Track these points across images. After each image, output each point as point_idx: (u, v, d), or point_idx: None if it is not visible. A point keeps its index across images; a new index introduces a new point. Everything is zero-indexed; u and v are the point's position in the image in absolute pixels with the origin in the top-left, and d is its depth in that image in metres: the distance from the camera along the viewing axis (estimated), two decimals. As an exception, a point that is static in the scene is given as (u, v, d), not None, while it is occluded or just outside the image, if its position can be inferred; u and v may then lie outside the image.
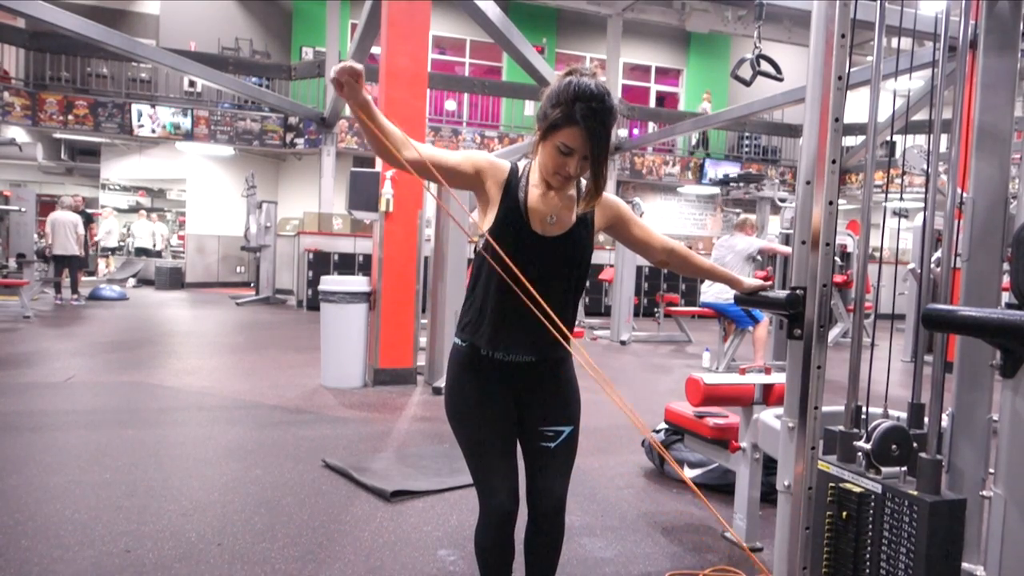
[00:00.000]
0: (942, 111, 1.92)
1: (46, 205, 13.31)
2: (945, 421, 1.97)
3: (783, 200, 8.94)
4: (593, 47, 16.76)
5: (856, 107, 7.20)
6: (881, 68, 1.83)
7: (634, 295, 9.86)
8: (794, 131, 16.71)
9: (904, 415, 1.91)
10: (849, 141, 15.76)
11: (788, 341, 1.90)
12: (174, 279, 15.02)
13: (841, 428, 1.70)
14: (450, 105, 15.99)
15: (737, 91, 15.40)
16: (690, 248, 2.07)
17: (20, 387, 5.28)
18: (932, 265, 2.15)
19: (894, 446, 1.55)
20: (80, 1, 13.99)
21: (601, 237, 1.88)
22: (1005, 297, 1.68)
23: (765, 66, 3.39)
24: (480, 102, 16.11)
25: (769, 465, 2.88)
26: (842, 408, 1.79)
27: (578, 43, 16.93)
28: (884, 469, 1.55)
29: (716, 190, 15.83)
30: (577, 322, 1.94)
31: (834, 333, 9.36)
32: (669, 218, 17.05)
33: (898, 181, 10.92)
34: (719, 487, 3.55)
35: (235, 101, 14.39)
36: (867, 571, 1.55)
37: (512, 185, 1.73)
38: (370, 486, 3.40)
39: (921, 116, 10.24)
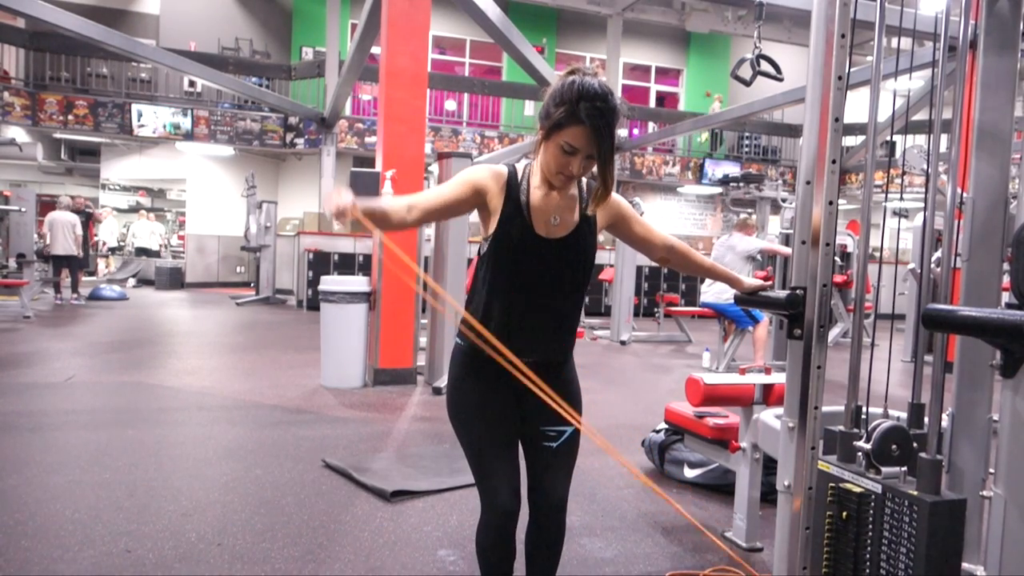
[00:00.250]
0: (942, 111, 1.92)
1: (46, 205, 13.30)
2: (945, 421, 1.97)
3: (784, 200, 8.94)
4: (593, 47, 16.76)
5: (856, 107, 7.20)
6: (881, 68, 1.83)
7: (634, 295, 9.86)
8: (794, 131, 16.71)
9: (904, 415, 1.90)
10: (849, 141, 15.75)
11: (788, 341, 1.90)
12: (174, 279, 15.01)
13: (841, 428, 1.70)
14: (450, 105, 15.98)
15: (737, 91, 15.40)
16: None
17: (20, 387, 5.28)
18: (932, 265, 2.15)
19: (894, 446, 1.55)
20: (80, 1, 13.99)
21: (601, 237, 1.88)
22: (1005, 297, 1.68)
23: (765, 66, 3.39)
24: (480, 102, 16.10)
25: (769, 465, 2.88)
26: (842, 408, 1.79)
27: (578, 43, 16.93)
28: (884, 469, 1.55)
29: (716, 190, 15.84)
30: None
31: (834, 333, 9.37)
32: (669, 218, 17.05)
33: (898, 181, 10.92)
34: (719, 487, 3.55)
35: (235, 101, 14.39)
36: (867, 571, 1.55)
37: (513, 188, 1.73)
38: (370, 486, 3.40)
39: (921, 116, 10.24)
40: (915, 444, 1.58)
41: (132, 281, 15.28)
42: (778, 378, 2.88)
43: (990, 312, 1.49)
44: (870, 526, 1.54)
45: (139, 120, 13.53)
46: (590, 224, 1.79)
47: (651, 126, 16.44)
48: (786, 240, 8.21)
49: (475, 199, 1.73)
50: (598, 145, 1.60)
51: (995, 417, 1.90)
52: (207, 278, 15.66)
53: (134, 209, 18.52)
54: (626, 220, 1.87)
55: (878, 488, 1.53)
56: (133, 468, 3.56)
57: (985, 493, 1.86)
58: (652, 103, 17.99)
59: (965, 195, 2.01)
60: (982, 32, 2.03)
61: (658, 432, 3.91)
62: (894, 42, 1.99)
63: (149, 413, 4.72)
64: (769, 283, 2.65)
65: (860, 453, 1.59)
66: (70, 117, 13.29)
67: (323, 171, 14.03)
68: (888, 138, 11.64)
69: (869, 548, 1.54)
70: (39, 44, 13.17)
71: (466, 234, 5.88)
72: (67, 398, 5.03)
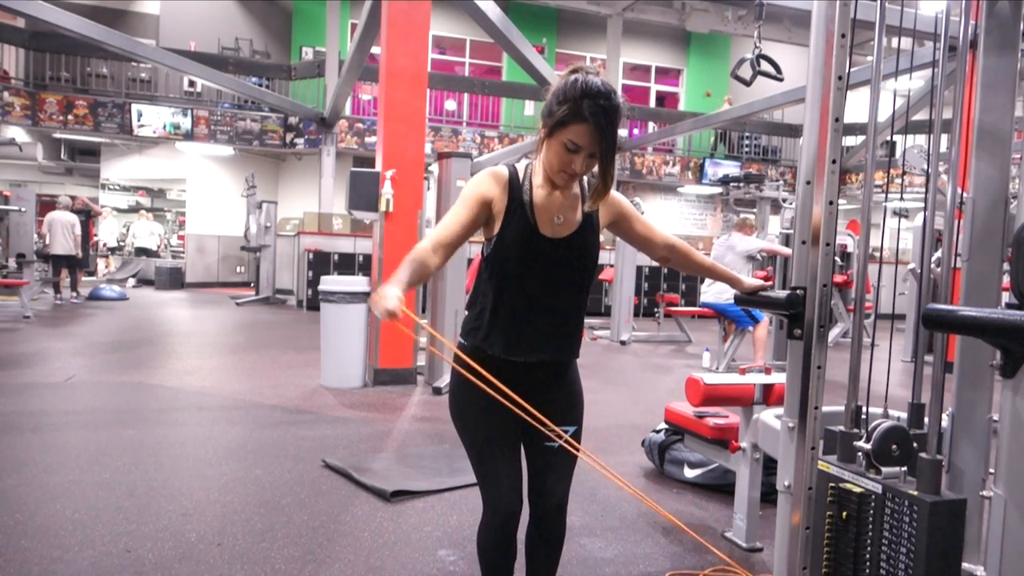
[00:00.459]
0: (942, 111, 1.92)
1: (46, 205, 13.31)
2: (945, 421, 1.97)
3: (784, 200, 8.93)
4: (593, 47, 16.76)
5: (856, 107, 7.20)
6: (881, 68, 1.82)
7: (634, 295, 9.86)
8: (794, 131, 16.71)
9: (904, 415, 1.90)
10: (849, 141, 15.75)
11: (788, 341, 1.90)
12: (174, 279, 15.01)
13: (841, 428, 1.70)
14: (450, 105, 15.98)
15: (737, 91, 15.41)
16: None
17: (20, 387, 5.28)
18: (932, 265, 2.15)
19: (894, 446, 1.55)
20: (80, 1, 13.98)
21: (601, 237, 1.88)
22: (1005, 297, 1.68)
23: (765, 66, 3.39)
24: (480, 102, 16.10)
25: (769, 465, 2.88)
26: (842, 408, 1.79)
27: (578, 43, 16.93)
28: (884, 469, 1.54)
29: (716, 190, 15.83)
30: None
31: (834, 333, 9.36)
32: (669, 218, 17.05)
33: (898, 181, 10.92)
34: (719, 487, 3.55)
35: (235, 101, 14.39)
36: (867, 571, 1.55)
37: (515, 188, 1.72)
38: (370, 486, 3.40)
39: (921, 116, 10.24)
40: (915, 444, 1.58)
41: (132, 281, 15.28)
42: (778, 378, 2.88)
43: (990, 312, 1.49)
44: (870, 526, 1.54)
45: (139, 120, 13.53)
46: (593, 223, 1.79)
47: (651, 126, 16.44)
48: (786, 240, 8.21)
49: (487, 210, 1.72)
50: (601, 143, 1.61)
51: (995, 417, 1.90)
52: (207, 278, 15.66)
53: (134, 209, 18.52)
54: (627, 218, 1.88)
55: (878, 488, 1.53)
56: (133, 468, 3.56)
57: (985, 493, 1.85)
58: (652, 103, 17.99)
59: (965, 195, 2.01)
60: (982, 32, 2.03)
61: (658, 432, 3.90)
62: (894, 42, 1.99)
63: (149, 413, 4.72)
64: (769, 283, 2.65)
65: (860, 453, 1.59)
66: (70, 117, 13.29)
67: (323, 171, 14.03)
68: (888, 138, 11.64)
69: (869, 548, 1.54)
70: (39, 44, 13.17)
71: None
72: (67, 398, 5.03)
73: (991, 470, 1.73)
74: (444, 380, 5.73)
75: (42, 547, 2.63)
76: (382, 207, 5.80)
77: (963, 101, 1.89)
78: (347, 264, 11.90)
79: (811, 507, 1.77)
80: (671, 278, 13.17)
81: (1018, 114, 2.16)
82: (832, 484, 1.63)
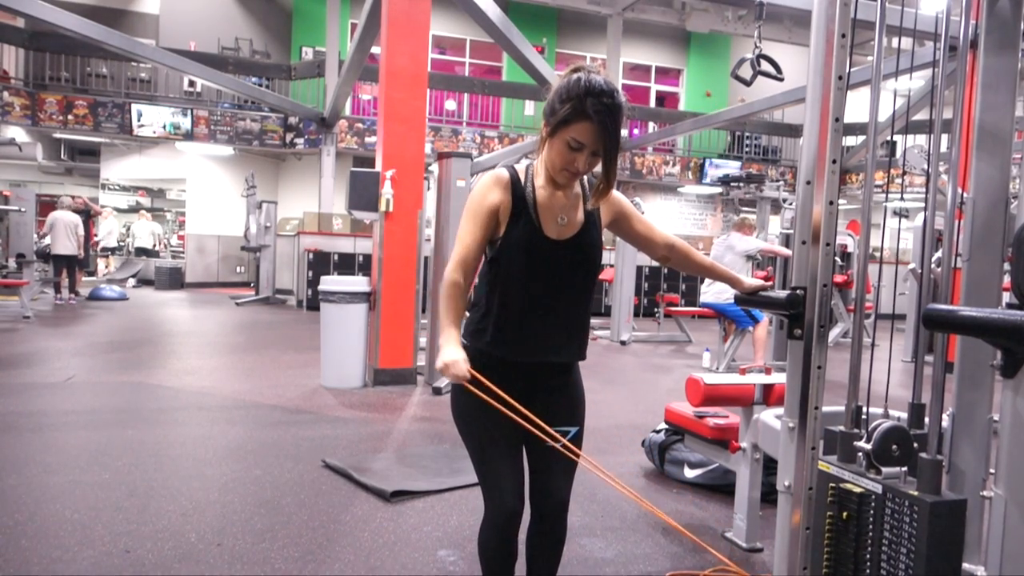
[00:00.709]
0: (942, 111, 1.92)
1: (46, 205, 13.31)
2: (946, 421, 1.97)
3: (785, 200, 8.93)
4: (593, 47, 16.76)
5: (856, 107, 7.20)
6: (881, 68, 1.82)
7: (634, 295, 9.86)
8: (794, 131, 16.71)
9: (904, 415, 1.90)
10: (849, 141, 15.75)
11: (788, 341, 1.89)
12: (174, 279, 15.01)
13: (841, 428, 1.70)
14: (450, 105, 15.98)
15: (737, 91, 15.41)
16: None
17: (20, 387, 5.28)
18: (933, 265, 2.15)
19: (894, 446, 1.55)
20: (80, 1, 13.98)
21: (603, 236, 1.88)
22: (1006, 297, 1.68)
23: (765, 66, 3.38)
24: (480, 102, 16.10)
25: (769, 465, 2.88)
26: (842, 408, 1.79)
27: (578, 43, 16.93)
28: (884, 469, 1.54)
29: (716, 190, 15.83)
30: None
31: (834, 333, 9.36)
32: (669, 218, 17.05)
33: (898, 181, 10.92)
34: (719, 487, 3.55)
35: (235, 101, 14.39)
36: (867, 572, 1.55)
37: (518, 190, 1.72)
38: (370, 486, 3.40)
39: (922, 116, 10.23)
40: (915, 444, 1.58)
41: (132, 281, 15.28)
42: (778, 378, 2.88)
43: (991, 312, 1.49)
44: (870, 526, 1.54)
45: (139, 120, 13.53)
46: (595, 222, 1.79)
47: (651, 126, 16.44)
48: (786, 240, 8.21)
49: (496, 218, 1.73)
50: (605, 140, 1.61)
51: (995, 417, 1.90)
52: (207, 278, 15.66)
53: (134, 209, 18.52)
54: (627, 217, 1.88)
55: (878, 488, 1.53)
56: (133, 468, 3.56)
57: (985, 493, 1.85)
58: (652, 103, 17.99)
59: (965, 195, 2.01)
60: (983, 32, 2.03)
61: (658, 432, 3.90)
62: (894, 42, 1.99)
63: (149, 413, 4.72)
64: (769, 283, 2.65)
65: (860, 453, 1.59)
66: (70, 117, 13.29)
67: (323, 171, 14.03)
68: (888, 138, 11.64)
69: (869, 548, 1.54)
70: (39, 44, 13.17)
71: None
72: (67, 398, 5.03)
73: (991, 470, 1.73)
74: (444, 380, 5.73)
75: (42, 547, 2.63)
76: (382, 207, 5.80)
77: (963, 101, 1.89)
78: (347, 264, 11.90)
79: (811, 507, 1.77)
80: (671, 278, 13.17)
81: (1018, 114, 2.16)
82: (832, 484, 1.62)
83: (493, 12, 7.62)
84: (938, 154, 1.95)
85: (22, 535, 2.72)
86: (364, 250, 12.10)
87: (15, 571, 2.44)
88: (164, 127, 13.72)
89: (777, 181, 11.50)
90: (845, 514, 1.58)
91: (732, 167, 15.91)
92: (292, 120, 14.13)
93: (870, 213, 2.18)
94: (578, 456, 1.79)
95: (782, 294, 1.87)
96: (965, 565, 1.71)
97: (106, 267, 17.12)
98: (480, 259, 1.73)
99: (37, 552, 2.58)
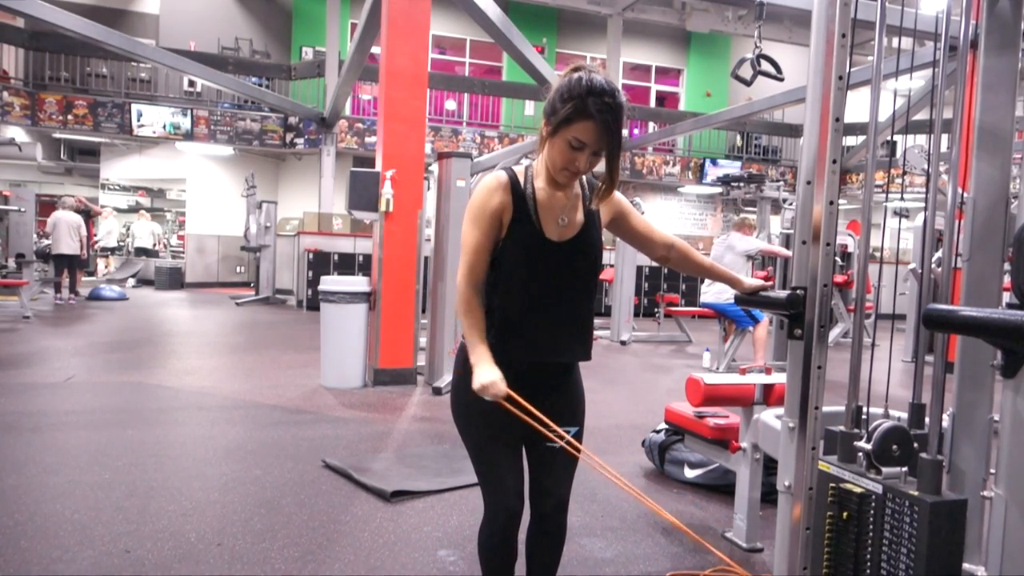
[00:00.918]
0: (943, 111, 1.92)
1: (46, 205, 13.32)
2: (946, 421, 1.96)
3: (785, 200, 8.93)
4: (593, 47, 16.76)
5: (856, 107, 7.20)
6: (882, 68, 1.82)
7: (634, 295, 9.86)
8: (794, 131, 16.71)
9: (905, 415, 1.90)
10: (849, 141, 15.75)
11: (788, 341, 1.89)
12: (174, 279, 15.01)
13: (842, 428, 1.70)
14: (450, 105, 15.98)
15: (738, 91, 15.40)
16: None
17: (20, 387, 5.28)
18: (933, 265, 2.15)
19: (895, 446, 1.55)
20: (80, 1, 13.98)
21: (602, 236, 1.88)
22: (1006, 297, 1.68)
23: (765, 66, 3.38)
24: (480, 102, 16.11)
25: (769, 465, 2.88)
26: (842, 408, 1.79)
27: (578, 43, 16.93)
28: (885, 469, 1.54)
29: (716, 190, 15.84)
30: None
31: (834, 333, 9.36)
32: (669, 218, 17.05)
33: (899, 181, 10.92)
34: (719, 487, 3.55)
35: (235, 101, 14.39)
36: (868, 572, 1.55)
37: (518, 192, 1.71)
38: (370, 486, 3.40)
39: (922, 116, 10.24)
40: (916, 444, 1.58)
41: (132, 281, 15.28)
42: (778, 378, 2.88)
43: (991, 312, 1.49)
44: (871, 527, 1.54)
45: (139, 120, 13.53)
46: (595, 222, 1.79)
47: (651, 126, 16.44)
48: (786, 240, 8.21)
49: (501, 218, 1.72)
50: (607, 140, 1.61)
51: (996, 417, 1.90)
52: (207, 278, 15.66)
53: (134, 209, 18.52)
54: (626, 216, 1.88)
55: (879, 488, 1.52)
56: (133, 468, 3.56)
57: (986, 493, 1.85)
58: (652, 103, 17.99)
59: (966, 195, 2.01)
60: (983, 32, 2.03)
61: (658, 432, 3.90)
62: (894, 42, 1.99)
63: (149, 413, 4.72)
64: (769, 283, 2.65)
65: (861, 453, 1.59)
66: (70, 117, 13.29)
67: (323, 171, 14.03)
68: (889, 138, 11.64)
69: (870, 549, 1.54)
70: (39, 44, 13.17)
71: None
72: (67, 398, 5.03)
73: (992, 470, 1.73)
74: (444, 380, 5.73)
75: (42, 547, 2.62)
76: (382, 207, 5.80)
77: (964, 101, 1.89)
78: (347, 264, 11.90)
79: (811, 507, 1.77)
80: (671, 278, 13.17)
81: (1018, 114, 2.16)
82: (833, 484, 1.62)
83: (493, 12, 7.62)
84: (938, 154, 1.95)
85: (22, 535, 2.72)
86: (364, 250, 12.09)
87: (15, 571, 2.44)
88: (164, 127, 13.72)
89: (777, 181, 11.50)
90: (845, 514, 1.58)
91: (727, 166, 15.92)
92: (292, 120, 14.13)
93: (870, 213, 2.18)
94: (588, 456, 1.79)
95: (782, 294, 1.87)
96: (965, 565, 1.71)
97: (106, 267, 17.13)
98: (487, 265, 1.73)
99: (37, 552, 2.58)
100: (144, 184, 18.45)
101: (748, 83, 3.44)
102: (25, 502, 3.05)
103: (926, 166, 2.12)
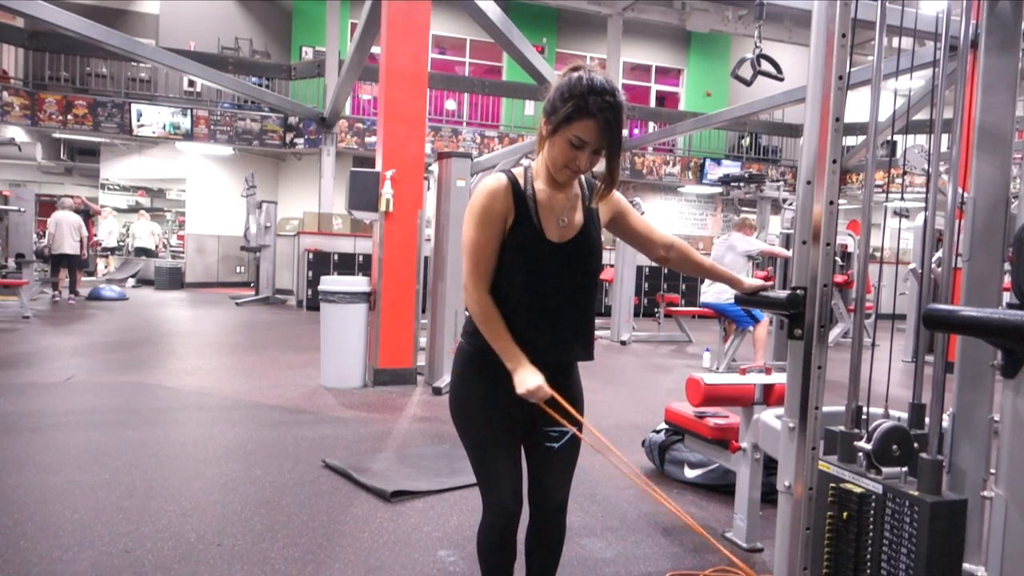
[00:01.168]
0: (943, 111, 1.92)
1: (45, 205, 13.32)
2: (946, 421, 1.96)
3: (785, 200, 8.93)
4: (593, 47, 16.76)
5: (857, 107, 7.20)
6: (882, 68, 1.82)
7: (634, 295, 9.86)
8: (794, 131, 16.71)
9: (905, 415, 1.90)
10: (850, 141, 15.75)
11: (788, 341, 1.89)
12: (174, 279, 15.01)
13: (842, 428, 1.69)
14: (450, 105, 15.98)
15: (737, 91, 15.40)
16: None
17: (20, 387, 5.28)
18: (933, 265, 2.15)
19: (895, 446, 1.55)
20: (80, 1, 13.98)
21: (602, 235, 1.88)
22: (1006, 297, 1.68)
23: (766, 66, 3.38)
24: (480, 102, 16.11)
25: (769, 465, 2.88)
26: (843, 408, 1.79)
27: (578, 43, 16.93)
28: (885, 469, 1.54)
29: (716, 190, 15.84)
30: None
31: (835, 333, 9.36)
32: (669, 218, 17.05)
33: (899, 181, 10.92)
34: (720, 487, 3.55)
35: (235, 101, 14.39)
36: (868, 572, 1.55)
37: (519, 194, 1.71)
38: (370, 486, 3.39)
39: (922, 116, 10.24)
40: (916, 444, 1.58)
41: (131, 281, 15.28)
42: (778, 378, 2.88)
43: (991, 312, 1.49)
44: (871, 527, 1.54)
45: (139, 120, 13.53)
46: (595, 222, 1.79)
47: (651, 126, 16.44)
48: (787, 240, 8.21)
49: (505, 219, 1.72)
50: (608, 138, 1.61)
51: (996, 417, 1.90)
52: (207, 278, 15.66)
53: (134, 209, 18.52)
54: (625, 216, 1.88)
55: (879, 488, 1.52)
56: (133, 468, 3.56)
57: (986, 493, 1.85)
58: (652, 103, 17.99)
59: (966, 195, 2.01)
60: (983, 32, 2.03)
61: (658, 432, 3.90)
62: (895, 42, 1.99)
63: (149, 413, 4.72)
64: (769, 283, 2.65)
65: (861, 453, 1.59)
66: (69, 117, 13.28)
67: (323, 171, 14.03)
68: (889, 138, 11.64)
69: (870, 549, 1.54)
70: (38, 44, 13.17)
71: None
72: (67, 398, 5.03)
73: (992, 470, 1.72)
74: (444, 380, 5.73)
75: (42, 547, 2.62)
76: (382, 207, 5.80)
77: (964, 101, 1.88)
78: (347, 264, 11.90)
79: (812, 507, 1.77)
80: (671, 278, 13.17)
81: (1019, 114, 2.16)
82: (833, 484, 1.62)
83: (493, 12, 7.63)
84: (938, 154, 1.95)
85: (22, 535, 2.72)
86: (364, 250, 12.09)
87: (15, 571, 2.44)
88: (164, 127, 13.72)
89: (777, 181, 11.50)
90: (845, 514, 1.58)
91: (727, 165, 15.92)
92: (292, 120, 14.13)
93: (870, 213, 2.18)
94: (606, 449, 1.79)
95: (782, 294, 1.87)
96: (965, 565, 1.71)
97: (106, 267, 17.13)
98: (495, 266, 1.72)
99: (37, 552, 2.58)
100: (144, 184, 18.45)
101: (748, 83, 3.44)
102: (25, 502, 3.05)
103: (926, 166, 2.12)
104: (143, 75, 14.32)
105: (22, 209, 9.98)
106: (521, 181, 1.73)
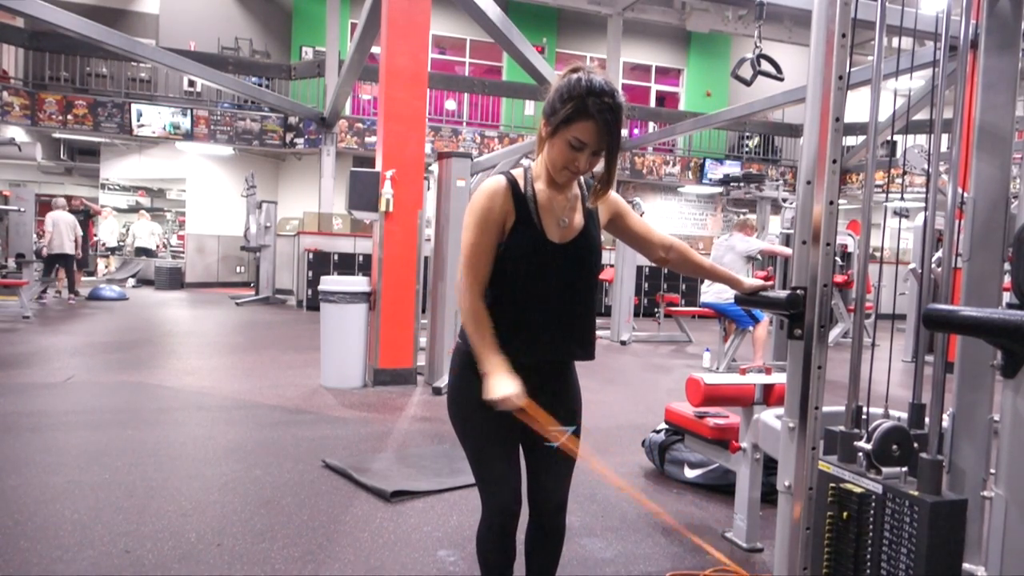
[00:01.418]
0: (943, 111, 1.92)
1: (45, 205, 13.31)
2: (946, 421, 1.96)
3: (785, 200, 8.93)
4: (593, 47, 16.76)
5: (856, 107, 7.20)
6: (882, 68, 1.82)
7: (634, 295, 9.85)
8: (794, 131, 16.71)
9: (905, 415, 1.90)
10: (850, 141, 15.75)
11: (788, 341, 1.89)
12: (174, 279, 15.01)
13: (842, 428, 1.69)
14: (450, 105, 15.98)
15: (738, 91, 15.40)
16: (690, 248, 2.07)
17: (20, 387, 5.28)
18: (933, 265, 2.15)
19: (895, 446, 1.55)
20: (80, 1, 13.98)
21: (602, 235, 1.88)
22: (1006, 297, 1.68)
23: (766, 66, 3.38)
24: (480, 102, 16.10)
25: (769, 465, 2.88)
26: (842, 408, 1.79)
27: (578, 43, 16.93)
28: (885, 469, 1.54)
29: (716, 190, 15.84)
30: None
31: (834, 333, 9.36)
32: (669, 218, 17.05)
33: (899, 181, 10.92)
34: (719, 487, 3.55)
35: (235, 101, 14.39)
36: (868, 572, 1.55)
37: (519, 196, 1.71)
38: (370, 486, 3.39)
39: (922, 116, 10.24)
40: (916, 444, 1.58)
41: (132, 281, 15.28)
42: (778, 378, 2.88)
43: (991, 312, 1.49)
44: (871, 526, 1.54)
45: (139, 120, 13.52)
46: (595, 222, 1.80)
47: (651, 126, 16.43)
48: (786, 240, 8.21)
49: (504, 221, 1.71)
50: (607, 140, 1.62)
51: (996, 417, 1.90)
52: (207, 278, 15.65)
53: (134, 209, 18.52)
54: (624, 217, 1.88)
55: (879, 488, 1.52)
56: (133, 468, 3.56)
57: (986, 493, 1.85)
58: (652, 103, 17.99)
59: (966, 195, 2.01)
60: (983, 32, 2.03)
61: (658, 432, 3.90)
62: (895, 42, 1.99)
63: (149, 413, 4.72)
64: (769, 283, 2.65)
65: (861, 453, 1.59)
66: (69, 117, 13.28)
67: (323, 171, 14.03)
68: (889, 138, 11.64)
69: (870, 549, 1.54)
70: (38, 44, 13.17)
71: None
72: (67, 398, 5.03)
73: (992, 470, 1.72)
74: (444, 380, 5.71)
75: (42, 547, 2.62)
76: (382, 207, 5.80)
77: (964, 101, 1.89)
78: (347, 264, 11.90)
79: (812, 507, 1.77)
80: (671, 278, 13.17)
81: (1018, 114, 2.16)
82: (833, 484, 1.62)
83: (493, 12, 7.62)
84: (938, 154, 1.95)
85: (22, 535, 2.72)
86: (364, 250, 12.09)
87: (15, 571, 2.44)
88: (164, 127, 13.72)
89: (777, 181, 11.50)
90: (845, 514, 1.58)
91: (727, 165, 15.93)
92: (292, 120, 14.12)
93: (870, 213, 2.18)
94: (575, 455, 1.79)
95: (782, 294, 1.87)
96: (965, 565, 1.71)
97: (106, 267, 17.13)
98: (491, 269, 1.71)
99: (37, 552, 2.58)
100: (144, 184, 18.45)
101: (748, 83, 3.44)
102: (25, 502, 3.05)
103: (926, 166, 2.12)
104: (143, 75, 14.31)
105: (22, 209, 9.98)
106: (521, 182, 1.73)
